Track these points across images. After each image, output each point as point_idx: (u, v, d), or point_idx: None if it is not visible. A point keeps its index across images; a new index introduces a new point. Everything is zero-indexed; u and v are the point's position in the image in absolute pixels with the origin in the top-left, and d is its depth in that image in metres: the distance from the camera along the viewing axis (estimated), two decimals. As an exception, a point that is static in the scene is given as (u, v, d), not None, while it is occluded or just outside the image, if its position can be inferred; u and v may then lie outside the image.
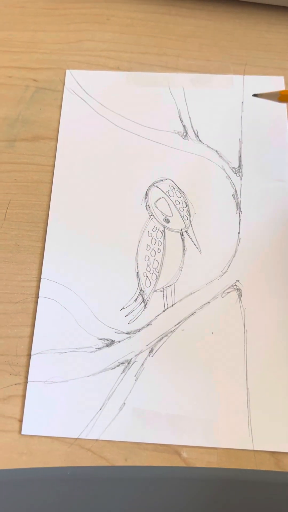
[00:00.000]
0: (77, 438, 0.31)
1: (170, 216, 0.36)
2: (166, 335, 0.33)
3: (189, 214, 0.36)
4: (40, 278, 0.35)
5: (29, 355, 0.33)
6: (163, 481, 0.30)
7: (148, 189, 0.37)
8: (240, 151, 0.37)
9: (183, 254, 0.35)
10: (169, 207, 0.36)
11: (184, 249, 0.35)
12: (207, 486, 0.30)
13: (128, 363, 0.33)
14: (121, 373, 0.32)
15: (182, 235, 0.36)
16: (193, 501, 0.30)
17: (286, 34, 0.40)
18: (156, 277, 0.35)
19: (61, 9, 0.42)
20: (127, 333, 0.33)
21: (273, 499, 0.30)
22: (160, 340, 0.33)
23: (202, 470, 0.30)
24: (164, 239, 0.35)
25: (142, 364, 0.33)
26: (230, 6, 0.41)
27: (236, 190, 0.36)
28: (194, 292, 0.34)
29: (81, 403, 0.32)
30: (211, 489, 0.30)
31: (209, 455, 0.31)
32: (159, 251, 0.35)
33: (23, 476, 0.31)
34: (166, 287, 0.34)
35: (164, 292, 0.34)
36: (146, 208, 0.36)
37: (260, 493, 0.30)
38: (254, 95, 0.35)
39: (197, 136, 0.38)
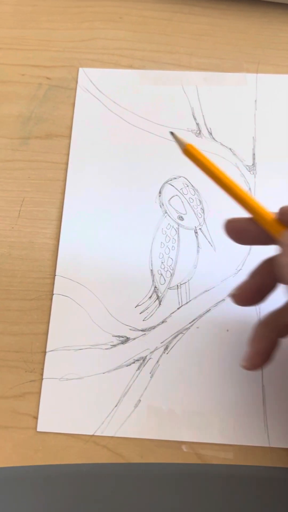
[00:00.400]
0: (93, 435, 0.31)
1: (184, 214, 0.36)
2: (181, 333, 0.33)
3: (203, 212, 0.36)
4: (54, 275, 0.35)
5: (44, 352, 0.33)
6: (179, 478, 0.30)
7: (162, 187, 0.37)
8: (253, 149, 0.37)
9: (197, 251, 0.35)
10: (183, 205, 0.36)
11: (198, 246, 0.35)
12: (223, 483, 0.30)
13: (143, 360, 0.33)
14: (136, 370, 0.32)
15: (196, 232, 0.36)
16: (209, 498, 0.30)
17: (299, 32, 0.40)
18: (171, 275, 0.35)
19: (73, 8, 0.42)
20: (142, 330, 0.33)
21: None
22: (175, 338, 0.33)
23: (218, 467, 0.30)
24: (178, 236, 0.35)
25: (157, 361, 0.33)
26: (243, 4, 0.41)
27: (250, 188, 0.36)
28: (208, 290, 0.34)
29: (96, 400, 0.32)
30: (227, 486, 0.30)
31: (225, 452, 0.31)
32: (173, 248, 0.35)
33: (39, 473, 0.31)
34: (180, 284, 0.34)
35: (179, 289, 0.34)
36: (160, 205, 0.36)
37: (276, 490, 0.30)
38: (171, 133, 0.32)
39: (211, 134, 0.38)
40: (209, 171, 0.29)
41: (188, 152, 0.31)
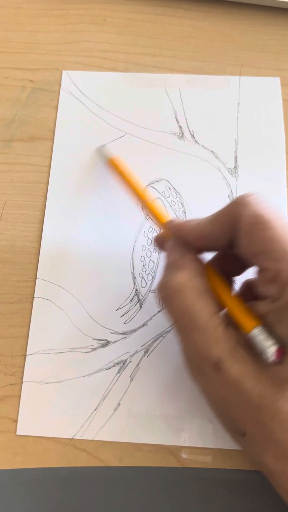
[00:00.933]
0: (72, 439, 0.31)
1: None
2: (162, 336, 0.33)
3: (185, 215, 0.36)
4: (35, 278, 0.35)
5: (25, 356, 0.33)
6: (158, 482, 0.30)
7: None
8: (236, 152, 0.37)
9: (179, 254, 0.35)
10: (165, 208, 0.36)
11: (179, 249, 0.35)
12: (202, 486, 0.30)
13: (123, 364, 0.33)
14: (116, 374, 0.32)
15: (178, 235, 0.35)
16: (187, 501, 0.30)
17: (282, 35, 0.40)
18: (152, 278, 0.35)
19: (57, 10, 0.42)
20: (123, 334, 0.33)
21: (267, 498, 0.29)
22: (155, 341, 0.33)
23: (197, 470, 0.30)
24: (159, 239, 0.35)
25: (137, 365, 0.33)
26: (226, 7, 0.41)
27: (231, 191, 0.36)
28: (189, 293, 0.34)
29: (76, 404, 0.32)
30: (205, 489, 0.30)
31: (204, 456, 0.31)
32: (155, 251, 0.35)
33: (18, 477, 0.31)
34: (161, 287, 0.34)
35: (160, 292, 0.34)
36: (142, 208, 0.36)
37: (254, 493, 0.30)
38: (102, 146, 0.38)
39: (193, 136, 0.38)
40: (126, 181, 0.34)
41: (110, 163, 0.36)
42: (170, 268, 0.27)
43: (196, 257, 0.27)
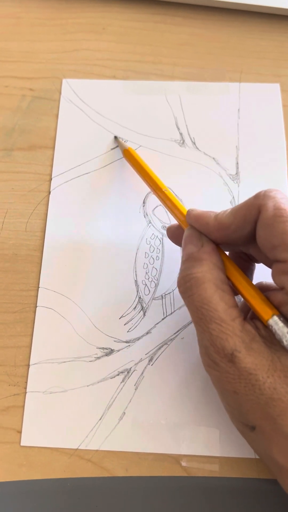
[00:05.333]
0: (77, 449, 0.31)
1: (168, 224, 0.36)
2: (166, 343, 0.33)
3: (187, 222, 0.36)
4: (38, 287, 0.34)
5: (28, 365, 0.33)
6: (165, 491, 0.30)
7: (146, 197, 0.37)
8: (237, 158, 0.37)
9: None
10: (167, 215, 0.36)
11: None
12: (209, 495, 0.30)
13: (128, 372, 0.32)
14: (121, 382, 0.32)
15: (180, 242, 0.35)
16: (194, 511, 0.30)
17: (280, 41, 0.41)
18: (155, 285, 0.34)
19: (56, 19, 0.42)
20: (127, 342, 0.33)
21: (276, 507, 0.29)
22: (159, 349, 0.33)
23: (204, 479, 0.30)
24: (162, 246, 0.35)
25: (142, 373, 0.32)
26: (224, 14, 0.41)
27: (233, 197, 0.36)
28: (193, 300, 0.34)
29: (80, 413, 0.32)
30: (213, 498, 0.30)
31: (210, 464, 0.30)
32: (157, 258, 0.35)
33: (23, 488, 0.31)
34: (165, 294, 0.34)
35: (163, 300, 0.34)
36: (144, 216, 0.36)
37: (262, 502, 0.29)
38: (114, 137, 0.38)
39: (194, 143, 0.38)
40: (143, 172, 0.34)
41: (127, 154, 0.36)
42: (189, 260, 0.27)
43: (214, 249, 0.28)
